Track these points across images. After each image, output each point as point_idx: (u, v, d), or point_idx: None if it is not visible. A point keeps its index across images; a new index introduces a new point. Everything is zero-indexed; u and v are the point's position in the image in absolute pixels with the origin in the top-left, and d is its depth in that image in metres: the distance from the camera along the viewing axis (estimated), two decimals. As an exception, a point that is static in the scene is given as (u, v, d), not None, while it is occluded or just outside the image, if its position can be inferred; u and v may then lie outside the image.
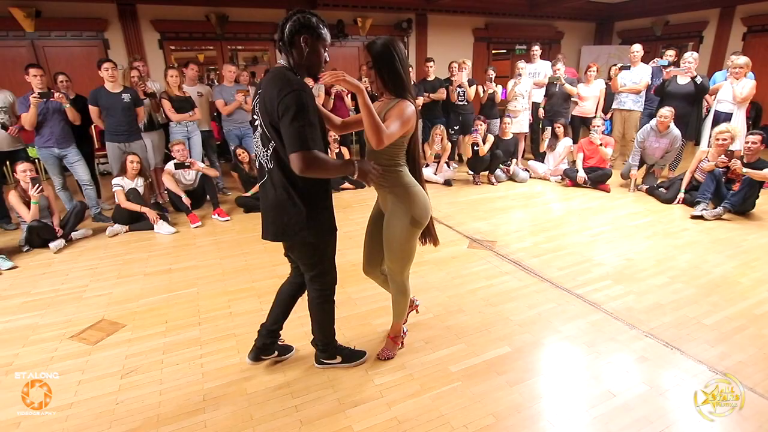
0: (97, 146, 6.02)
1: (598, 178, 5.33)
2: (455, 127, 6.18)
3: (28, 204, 3.83)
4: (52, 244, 3.81)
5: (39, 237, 3.82)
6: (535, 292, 2.99)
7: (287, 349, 2.38)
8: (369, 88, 1.99)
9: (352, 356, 2.29)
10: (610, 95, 6.23)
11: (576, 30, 10.16)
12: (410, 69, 5.97)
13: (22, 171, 3.81)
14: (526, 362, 2.29)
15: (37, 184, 3.81)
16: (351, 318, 2.73)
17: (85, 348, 2.50)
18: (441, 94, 6.06)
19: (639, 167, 5.25)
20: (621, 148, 6.26)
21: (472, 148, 5.52)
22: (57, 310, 2.92)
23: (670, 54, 5.78)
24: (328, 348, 2.24)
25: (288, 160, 1.68)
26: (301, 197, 1.80)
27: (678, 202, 4.70)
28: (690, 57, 5.17)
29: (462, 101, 6.04)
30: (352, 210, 4.79)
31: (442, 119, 6.17)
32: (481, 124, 5.51)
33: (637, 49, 5.75)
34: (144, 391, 2.15)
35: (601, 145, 5.28)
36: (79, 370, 2.31)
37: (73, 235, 4.08)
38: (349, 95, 5.99)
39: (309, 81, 5.43)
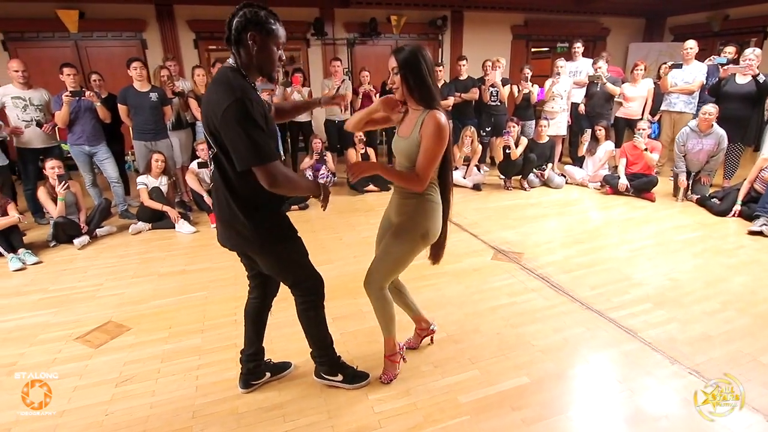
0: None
1: (641, 186, 4.89)
2: (487, 129, 5.87)
3: (56, 200, 3.89)
4: (76, 241, 3.86)
5: (65, 233, 3.87)
6: (563, 313, 2.69)
7: (282, 367, 2.22)
8: (394, 94, 1.83)
9: (354, 378, 2.10)
10: (658, 96, 5.73)
11: (623, 26, 9.51)
12: (441, 71, 5.68)
13: (51, 168, 3.87)
14: (546, 397, 2.02)
15: (64, 181, 3.86)
16: (358, 333, 2.55)
17: (88, 351, 2.45)
18: (473, 94, 5.77)
19: (688, 175, 4.76)
20: (669, 154, 5.73)
21: (504, 151, 5.20)
22: (69, 308, 2.90)
23: (730, 51, 5.23)
24: (327, 361, 2.06)
25: (229, 170, 1.57)
26: (241, 206, 1.63)
27: (733, 215, 4.21)
28: (752, 53, 4.63)
29: (495, 101, 5.72)
30: (374, 214, 4.61)
31: (474, 120, 5.88)
32: (514, 126, 5.18)
33: (691, 45, 5.24)
34: (135, 403, 2.05)
35: (646, 150, 4.84)
36: (78, 375, 2.25)
37: (98, 231, 4.12)
38: (377, 94, 5.81)
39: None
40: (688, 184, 4.76)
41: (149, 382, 2.19)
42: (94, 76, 4.75)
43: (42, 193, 3.91)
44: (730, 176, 5.09)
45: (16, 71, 4.11)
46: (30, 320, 2.77)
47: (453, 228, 3.76)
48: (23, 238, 3.77)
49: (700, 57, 5.37)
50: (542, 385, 2.10)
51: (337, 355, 2.09)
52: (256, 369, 2.10)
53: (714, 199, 4.50)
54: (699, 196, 4.64)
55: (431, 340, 2.42)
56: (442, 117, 1.71)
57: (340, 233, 4.13)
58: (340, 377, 2.08)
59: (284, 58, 1.65)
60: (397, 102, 1.81)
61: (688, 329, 2.51)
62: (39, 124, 4.24)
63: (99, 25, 6.44)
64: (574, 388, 2.09)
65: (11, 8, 5.96)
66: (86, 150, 4.37)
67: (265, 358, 2.17)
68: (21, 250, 3.56)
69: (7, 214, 3.64)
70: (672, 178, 5.05)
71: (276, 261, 1.77)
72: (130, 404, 2.04)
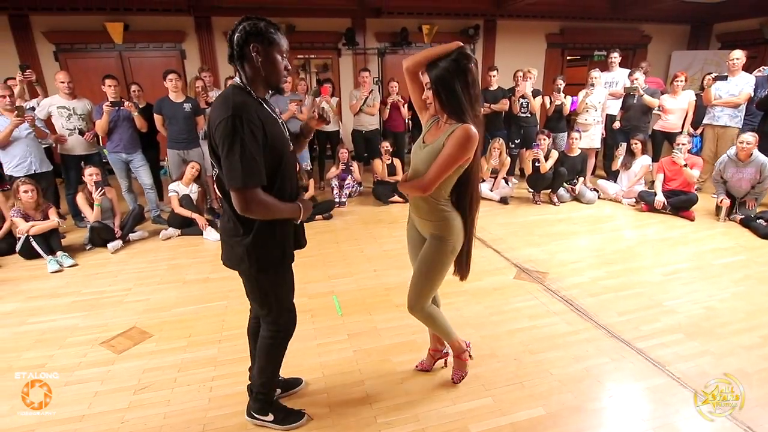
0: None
1: (680, 204, 4.64)
2: (516, 141, 5.74)
3: (92, 205, 4.08)
4: (110, 245, 4.03)
5: (100, 237, 4.05)
6: (586, 340, 2.57)
7: (293, 383, 2.22)
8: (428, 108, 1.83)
9: (287, 419, 1.98)
10: (701, 108, 5.43)
11: (666, 34, 9.11)
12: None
13: (89, 175, 4.07)
14: (561, 431, 1.92)
15: (100, 188, 4.04)
16: (371, 351, 2.52)
17: (111, 357, 2.53)
18: (503, 105, 5.67)
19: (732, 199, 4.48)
20: (712, 169, 5.42)
21: (533, 164, 5.07)
22: (98, 313, 3.02)
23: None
24: (263, 398, 1.95)
25: (228, 188, 1.52)
26: (243, 224, 1.60)
27: (781, 239, 3.93)
28: (807, 65, 4.32)
29: (525, 113, 5.59)
30: (398, 226, 4.58)
31: (503, 132, 5.76)
32: (544, 139, 5.04)
33: (738, 56, 4.95)
34: (150, 412, 2.10)
35: (685, 165, 4.59)
36: (100, 380, 2.33)
37: (131, 236, 4.29)
38: (406, 105, 5.80)
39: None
40: (732, 204, 4.48)
41: (165, 392, 2.24)
42: (133, 87, 4.96)
43: (80, 199, 4.11)
44: (779, 195, 4.75)
45: (63, 82, 4.34)
46: (61, 323, 2.90)
47: (476, 243, 3.66)
48: (62, 240, 3.97)
49: (752, 66, 5.06)
50: (558, 418, 2.00)
51: (275, 396, 2.03)
52: None
53: (761, 220, 4.21)
54: (743, 217, 4.36)
55: (445, 363, 2.36)
56: (473, 130, 1.65)
57: (363, 245, 4.12)
58: (270, 417, 1.97)
59: (290, 67, 1.63)
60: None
61: (723, 364, 2.34)
62: (81, 132, 4.46)
63: (141, 37, 6.76)
64: (592, 425, 1.98)
65: (63, 21, 6.34)
66: (123, 157, 4.57)
67: None
68: (59, 253, 3.75)
69: (48, 219, 3.85)
70: (714, 196, 4.77)
71: (259, 288, 1.74)
72: (146, 413, 2.09)
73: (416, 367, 2.34)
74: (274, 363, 1.90)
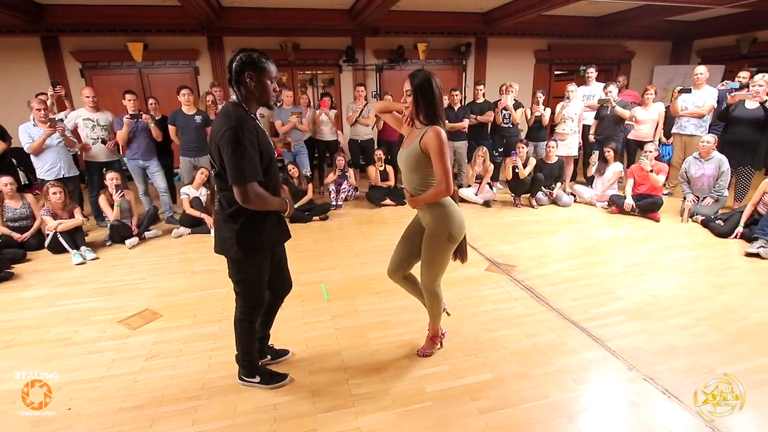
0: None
1: (647, 207, 4.89)
2: (499, 149, 6.03)
3: (113, 206, 4.44)
4: (127, 241, 4.38)
5: (119, 234, 4.40)
6: (539, 321, 2.84)
7: (281, 353, 2.52)
8: (404, 113, 2.17)
9: (272, 379, 2.28)
10: (671, 119, 5.70)
11: (649, 50, 9.39)
12: (457, 95, 5.94)
13: (110, 179, 4.44)
14: (504, 392, 2.20)
15: (120, 191, 4.41)
16: (350, 329, 2.81)
17: (126, 332, 2.85)
18: (488, 116, 5.97)
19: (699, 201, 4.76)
20: (682, 175, 5.67)
21: (513, 170, 5.35)
22: (116, 297, 3.35)
23: (744, 75, 5.20)
24: (247, 365, 2.25)
25: (225, 185, 1.85)
26: (232, 216, 1.92)
27: (735, 237, 4.16)
28: (761, 80, 4.58)
29: (507, 124, 5.89)
30: (387, 226, 4.88)
31: (488, 141, 6.06)
32: (522, 147, 5.33)
33: (701, 71, 5.22)
34: (158, 374, 2.41)
35: (651, 171, 4.85)
36: (116, 350, 2.65)
37: (146, 234, 4.64)
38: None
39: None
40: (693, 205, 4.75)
41: (171, 359, 2.55)
42: (151, 101, 5.34)
43: (102, 200, 4.48)
44: (740, 198, 4.99)
45: (88, 97, 4.74)
46: (85, 305, 3.23)
47: (455, 241, 3.93)
48: (85, 237, 4.33)
49: (729, 79, 5.34)
50: (503, 381, 2.28)
51: (259, 361, 2.32)
52: (260, 350, 2.40)
53: (719, 220, 4.45)
54: (704, 218, 4.60)
55: (446, 312, 2.59)
56: (442, 130, 2.00)
57: (353, 242, 4.42)
58: (257, 378, 2.27)
59: (278, 89, 1.98)
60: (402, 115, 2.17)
61: (656, 341, 2.60)
62: (104, 142, 4.84)
63: (159, 55, 7.19)
64: (531, 386, 2.24)
65: (88, 42, 6.80)
66: (140, 164, 4.94)
67: (269, 343, 2.48)
68: (83, 248, 4.10)
69: (74, 217, 4.21)
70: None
71: (239, 269, 2.02)
72: (155, 375, 2.41)
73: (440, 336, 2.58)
74: (247, 335, 2.18)
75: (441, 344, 2.55)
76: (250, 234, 1.94)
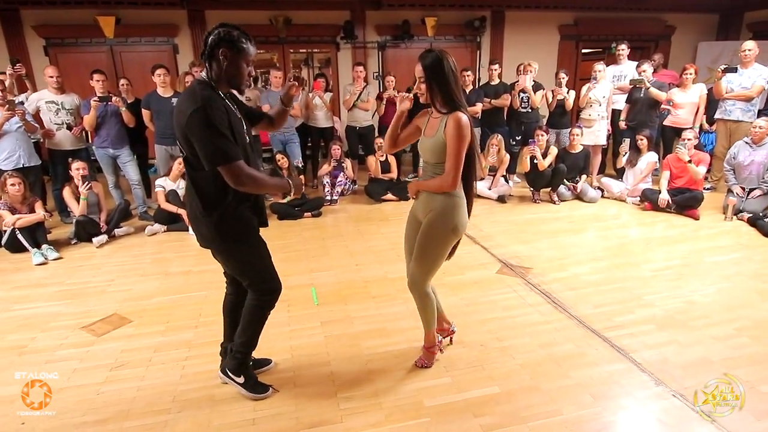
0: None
1: (684, 202, 4.87)
2: (517, 137, 6.04)
3: (79, 199, 4.50)
4: (95, 239, 4.44)
5: (85, 231, 4.46)
6: (556, 329, 2.86)
7: (263, 362, 2.55)
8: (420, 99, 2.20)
9: (255, 387, 2.32)
10: (714, 102, 5.67)
11: (691, 24, 9.32)
12: (469, 76, 5.97)
13: (76, 169, 4.50)
14: (511, 407, 2.22)
15: (87, 182, 4.47)
16: (341, 336, 2.85)
17: (91, 339, 2.90)
18: (504, 100, 5.98)
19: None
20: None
21: (531, 161, 5.36)
22: (81, 301, 3.40)
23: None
24: (240, 359, 2.27)
25: (195, 172, 1.90)
26: (207, 206, 1.96)
27: (787, 237, 4.15)
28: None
29: (525, 108, 5.90)
30: (388, 223, 4.90)
31: (504, 128, 6.07)
32: (542, 135, 5.34)
33: (750, 47, 5.21)
34: (125, 386, 2.45)
35: (690, 162, 4.83)
36: (79, 359, 2.69)
37: (116, 231, 4.70)
38: (402, 100, 6.13)
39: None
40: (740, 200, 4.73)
41: (140, 369, 2.59)
42: (122, 81, 5.42)
43: (67, 193, 4.54)
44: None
45: (51, 77, 4.81)
46: (45, 310, 3.29)
47: (464, 240, 3.96)
48: (48, 234, 4.39)
49: None
50: (511, 396, 2.29)
51: (251, 361, 2.37)
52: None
53: (768, 219, 4.43)
54: (751, 215, 4.58)
55: (450, 340, 2.67)
56: (464, 117, 2.05)
57: (348, 242, 4.45)
58: (242, 379, 2.30)
59: (253, 73, 2.02)
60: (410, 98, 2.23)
61: (687, 352, 2.60)
62: (69, 127, 4.91)
63: (133, 31, 7.26)
64: (543, 401, 2.26)
65: (53, 15, 6.87)
66: (110, 153, 5.00)
67: None
68: (44, 246, 4.17)
69: (35, 212, 4.28)
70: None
71: (234, 259, 2.09)
72: (121, 386, 2.45)
73: (441, 340, 2.63)
74: (256, 324, 2.22)
75: (441, 350, 2.58)
76: (227, 221, 1.99)
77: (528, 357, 2.59)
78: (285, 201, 5.24)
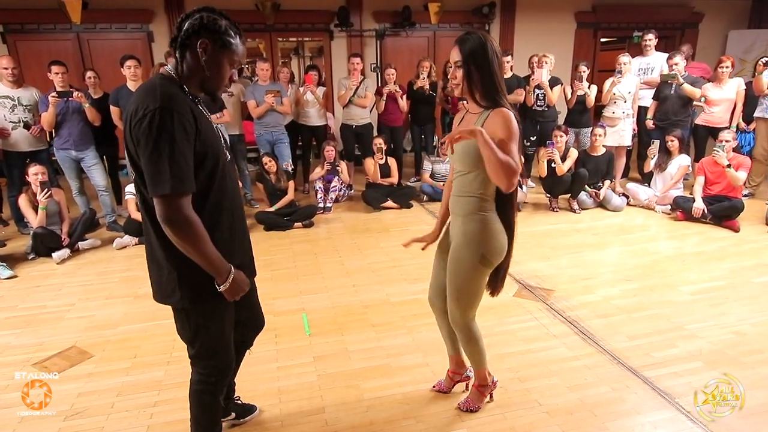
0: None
1: (722, 212, 4.71)
2: (531, 138, 5.87)
3: (37, 209, 4.28)
4: (55, 254, 4.22)
5: (44, 245, 4.25)
6: (586, 367, 2.66)
7: (248, 410, 2.34)
8: (453, 90, 1.97)
9: None
10: (752, 99, 5.52)
11: (721, 10, 9.21)
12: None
13: (33, 174, 4.28)
14: (541, 469, 2.02)
15: (46, 189, 4.25)
16: (337, 376, 2.64)
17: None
18: (518, 95, 5.81)
19: None
20: (767, 171, 5.51)
21: (548, 165, 5.18)
22: (34, 330, 3.19)
23: None
24: None
25: (148, 199, 1.53)
26: (166, 247, 1.57)
27: (841, 253, 3.98)
28: None
29: (541, 106, 5.74)
30: (388, 236, 4.71)
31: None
32: (561, 136, 5.17)
33: (793, 37, 5.02)
34: (80, 440, 2.24)
35: (729, 166, 4.66)
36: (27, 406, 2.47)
37: (80, 245, 4.49)
38: (403, 96, 5.96)
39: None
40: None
41: (100, 417, 2.38)
42: (89, 74, 5.21)
43: (23, 201, 4.32)
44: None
45: (6, 68, 4.57)
46: (-9, 341, 3.07)
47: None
48: (1, 248, 4.17)
49: None
50: (540, 454, 2.10)
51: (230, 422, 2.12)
52: (225, 406, 2.19)
53: (819, 231, 4.26)
54: (798, 228, 4.41)
55: (466, 386, 2.46)
56: (511, 113, 1.82)
57: (343, 257, 4.25)
58: None
59: (235, 78, 1.77)
60: None
61: (746, 398, 2.41)
62: (27, 126, 4.68)
63: (103, 16, 7.07)
64: (578, 461, 2.07)
65: (13, -1, 6.65)
66: (73, 155, 4.78)
67: (234, 396, 2.30)
68: (-4, 263, 3.95)
69: (-14, 223, 4.06)
70: None
71: (189, 321, 1.71)
72: (75, 441, 2.24)
73: (433, 387, 2.48)
74: (208, 412, 1.88)
75: (491, 396, 2.38)
76: (198, 272, 1.59)
77: (556, 403, 2.39)
78: (272, 210, 5.08)
